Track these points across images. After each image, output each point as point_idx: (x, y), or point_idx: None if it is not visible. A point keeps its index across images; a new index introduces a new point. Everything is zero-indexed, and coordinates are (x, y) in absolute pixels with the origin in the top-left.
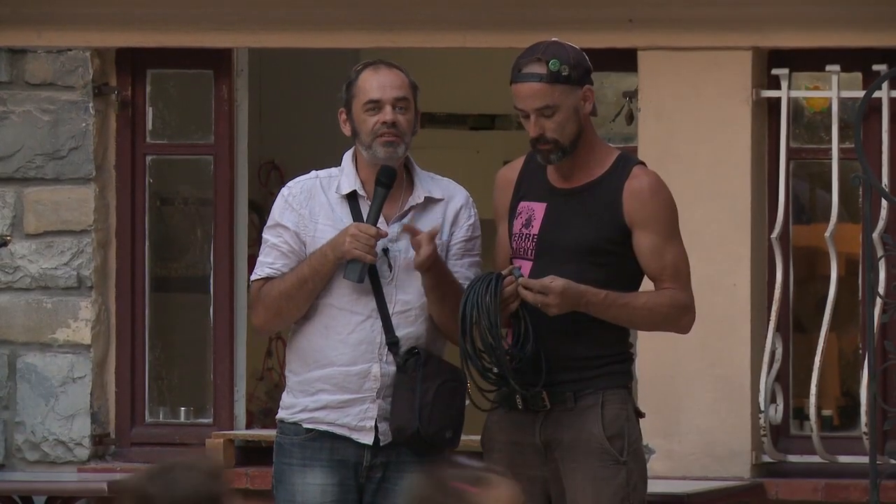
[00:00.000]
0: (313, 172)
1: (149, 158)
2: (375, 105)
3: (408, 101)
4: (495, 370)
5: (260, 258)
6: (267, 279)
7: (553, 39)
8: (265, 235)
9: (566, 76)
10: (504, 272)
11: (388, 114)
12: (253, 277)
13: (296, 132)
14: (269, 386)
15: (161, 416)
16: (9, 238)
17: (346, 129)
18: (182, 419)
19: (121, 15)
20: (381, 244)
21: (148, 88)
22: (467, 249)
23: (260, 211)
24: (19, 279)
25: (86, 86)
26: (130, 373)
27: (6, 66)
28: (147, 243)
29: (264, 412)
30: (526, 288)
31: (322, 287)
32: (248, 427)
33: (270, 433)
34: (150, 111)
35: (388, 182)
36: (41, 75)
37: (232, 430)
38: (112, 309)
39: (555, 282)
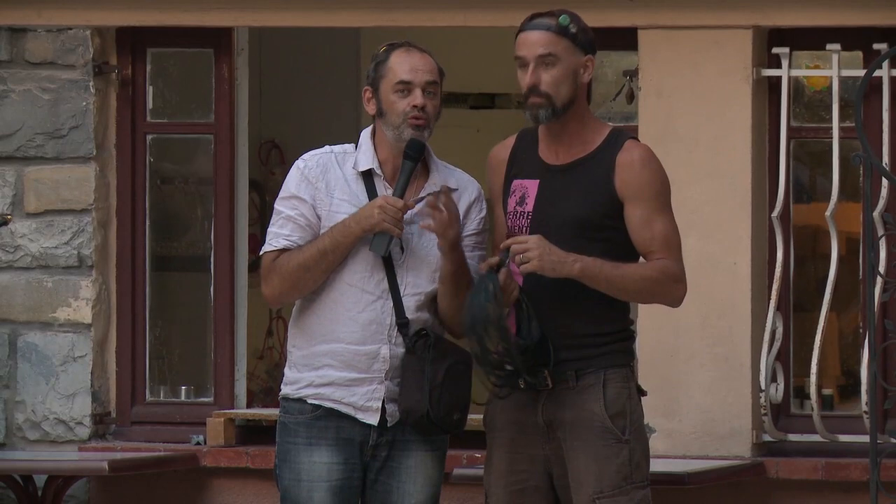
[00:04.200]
0: (327, 147)
1: (149, 137)
2: (406, 87)
3: (436, 86)
4: (508, 367)
5: (273, 229)
6: (283, 250)
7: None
8: (279, 207)
9: (573, 34)
10: (491, 265)
11: (418, 97)
12: (266, 248)
13: (296, 111)
14: (270, 365)
15: (161, 395)
16: (9, 217)
17: (370, 108)
18: (182, 398)
19: None
20: None
21: (148, 67)
22: (477, 243)
23: (260, 190)
24: (20, 258)
25: (86, 65)
26: (131, 352)
27: (6, 44)
28: (147, 222)
29: (265, 391)
30: (511, 265)
31: (341, 260)
32: (248, 406)
33: (271, 412)
34: (150, 90)
35: (416, 155)
36: (41, 54)
37: (232, 408)
38: (112, 288)
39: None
